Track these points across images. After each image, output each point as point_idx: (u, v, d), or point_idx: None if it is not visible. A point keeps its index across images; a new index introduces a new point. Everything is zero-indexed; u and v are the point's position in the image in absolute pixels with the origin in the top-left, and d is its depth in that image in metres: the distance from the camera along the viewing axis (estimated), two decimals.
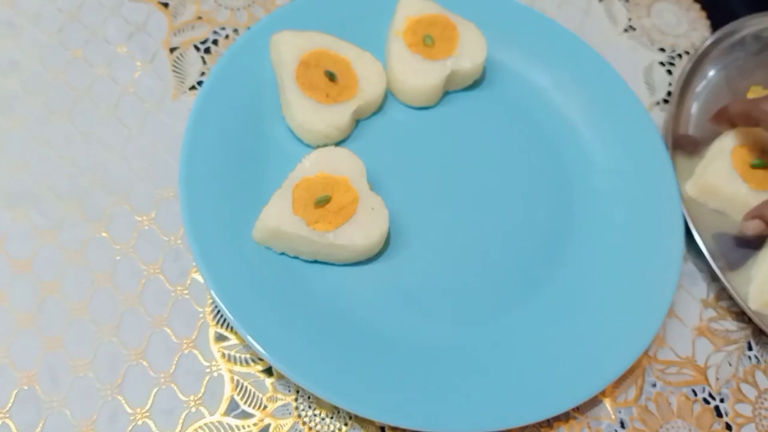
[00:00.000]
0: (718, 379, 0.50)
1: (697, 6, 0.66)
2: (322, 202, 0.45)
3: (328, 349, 0.43)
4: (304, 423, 0.44)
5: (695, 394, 0.49)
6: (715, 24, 0.65)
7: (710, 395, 0.49)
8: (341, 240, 0.45)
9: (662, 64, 0.62)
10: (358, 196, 0.46)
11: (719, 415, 0.49)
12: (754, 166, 0.53)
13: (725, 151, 0.54)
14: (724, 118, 0.55)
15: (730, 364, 0.51)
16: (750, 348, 0.52)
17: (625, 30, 0.64)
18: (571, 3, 0.64)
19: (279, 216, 0.44)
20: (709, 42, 0.60)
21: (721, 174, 0.53)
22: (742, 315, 0.52)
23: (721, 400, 0.49)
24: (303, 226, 0.44)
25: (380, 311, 0.46)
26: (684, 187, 0.54)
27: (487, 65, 0.55)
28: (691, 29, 0.65)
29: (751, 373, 0.51)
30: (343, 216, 0.45)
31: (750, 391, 0.50)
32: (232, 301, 0.42)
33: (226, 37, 0.56)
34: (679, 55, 0.63)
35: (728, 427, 0.48)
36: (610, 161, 0.54)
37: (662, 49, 0.63)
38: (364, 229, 0.45)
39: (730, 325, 0.52)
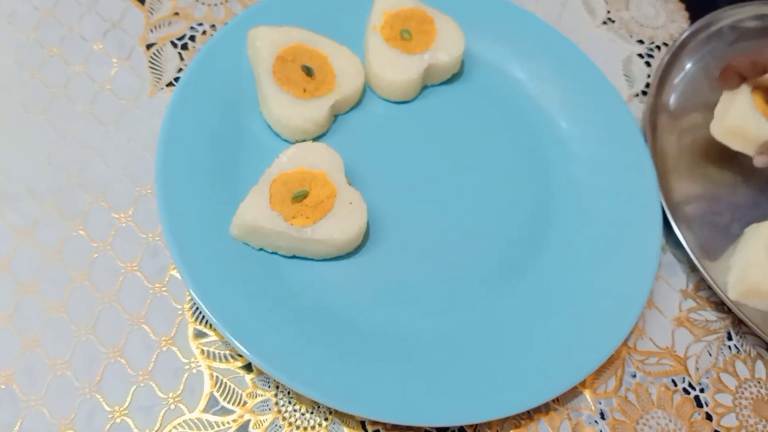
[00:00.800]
0: (698, 369, 0.50)
1: None
2: (300, 197, 0.45)
3: (307, 344, 0.43)
4: (284, 418, 0.44)
5: (675, 384, 0.49)
6: (693, 15, 0.65)
7: (690, 385, 0.49)
8: (319, 235, 0.44)
9: (641, 56, 0.63)
10: (336, 191, 0.46)
11: (699, 405, 0.49)
12: None
13: (744, 92, 0.53)
14: (731, 75, 0.54)
15: (710, 354, 0.51)
16: (730, 338, 0.52)
17: (604, 22, 0.64)
18: None
19: (256, 211, 0.44)
20: (687, 33, 0.60)
21: (745, 115, 0.52)
22: (721, 305, 0.53)
23: (701, 390, 0.49)
24: (280, 221, 0.44)
25: (360, 306, 0.46)
26: (709, 128, 0.54)
27: (465, 59, 0.55)
28: (670, 21, 0.65)
29: (731, 363, 0.51)
30: (321, 211, 0.45)
31: (730, 381, 0.50)
32: (210, 298, 0.42)
33: (204, 32, 0.55)
34: (658, 47, 0.63)
35: (708, 416, 0.49)
36: (589, 153, 0.54)
37: (641, 41, 0.63)
38: (342, 224, 0.45)
39: (710, 315, 0.52)
